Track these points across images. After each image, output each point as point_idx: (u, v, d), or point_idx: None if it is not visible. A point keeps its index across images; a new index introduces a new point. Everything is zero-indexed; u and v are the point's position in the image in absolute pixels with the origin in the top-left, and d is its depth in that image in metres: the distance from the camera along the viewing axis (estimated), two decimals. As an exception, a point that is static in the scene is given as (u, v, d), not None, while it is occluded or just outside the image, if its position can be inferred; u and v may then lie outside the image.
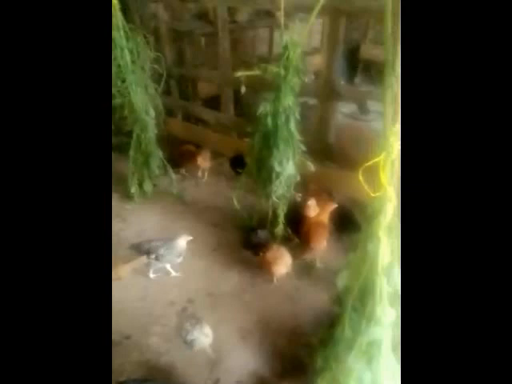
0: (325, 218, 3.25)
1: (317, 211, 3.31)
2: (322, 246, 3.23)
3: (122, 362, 2.51)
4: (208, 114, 5.16)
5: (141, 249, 3.13)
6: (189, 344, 2.36)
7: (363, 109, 5.83)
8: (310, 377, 2.05)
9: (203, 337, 2.33)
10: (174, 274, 3.21)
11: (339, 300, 1.75)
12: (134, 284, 3.16)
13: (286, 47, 2.52)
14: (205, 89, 5.65)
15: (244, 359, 2.54)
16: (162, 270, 3.22)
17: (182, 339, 2.38)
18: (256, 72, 2.67)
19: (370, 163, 1.35)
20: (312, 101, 3.97)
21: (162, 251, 3.07)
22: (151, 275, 3.19)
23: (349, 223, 3.26)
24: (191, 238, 3.18)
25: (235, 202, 3.41)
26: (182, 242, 3.13)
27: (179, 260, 3.16)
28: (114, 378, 2.18)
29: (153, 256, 3.08)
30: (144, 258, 3.24)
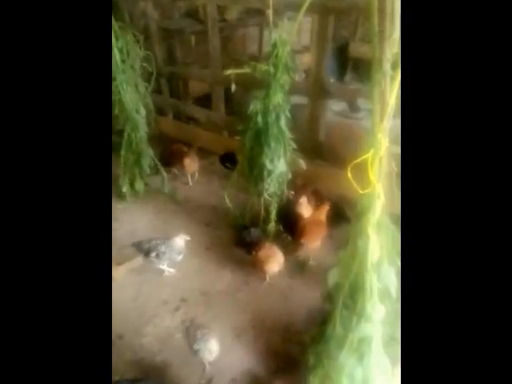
0: (322, 216, 3.27)
1: (309, 209, 3.33)
2: (316, 244, 3.25)
3: (116, 361, 2.50)
4: (199, 113, 5.14)
5: (141, 247, 3.13)
6: (193, 351, 2.32)
7: (353, 107, 5.85)
8: (302, 374, 2.06)
9: (207, 352, 2.30)
10: (166, 273, 3.20)
11: (330, 297, 1.76)
12: (127, 284, 3.15)
13: (274, 45, 2.52)
14: (196, 87, 5.64)
15: (238, 357, 2.55)
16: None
17: (188, 344, 2.36)
18: (246, 70, 2.67)
19: (358, 160, 1.35)
20: (302, 99, 3.98)
21: (163, 249, 3.07)
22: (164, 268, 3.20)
23: (339, 217, 3.28)
24: (189, 238, 3.18)
25: (227, 201, 3.42)
26: (180, 241, 3.13)
27: (180, 258, 3.15)
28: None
29: (153, 254, 3.07)
30: (139, 259, 3.25)
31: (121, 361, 2.52)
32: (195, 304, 2.96)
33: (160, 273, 3.18)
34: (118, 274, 3.16)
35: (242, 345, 2.64)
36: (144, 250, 3.11)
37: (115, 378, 2.30)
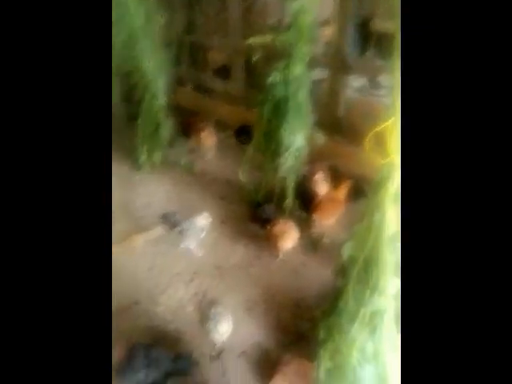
0: (341, 194, 3.24)
1: (325, 186, 3.29)
2: (330, 221, 3.22)
3: (131, 325, 2.56)
4: (218, 84, 5.05)
5: (168, 220, 3.15)
6: (205, 330, 2.34)
7: (374, 83, 5.69)
8: (312, 348, 2.06)
9: (217, 334, 2.31)
10: (200, 254, 3.20)
11: (343, 271, 1.73)
12: (144, 253, 3.19)
13: (296, 14, 2.44)
14: (215, 58, 5.53)
15: (249, 331, 2.57)
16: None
17: (200, 321, 2.38)
18: (267, 38, 2.60)
19: (378, 129, 1.31)
20: (322, 73, 3.87)
21: (186, 225, 3.06)
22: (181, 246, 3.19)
23: (357, 194, 3.24)
24: (211, 219, 3.16)
25: (241, 176, 3.39)
26: (203, 220, 3.12)
27: (203, 235, 3.13)
28: (123, 341, 2.21)
29: (177, 229, 3.07)
30: (158, 230, 3.28)
31: (136, 326, 2.58)
32: (209, 277, 2.99)
33: (176, 245, 3.18)
34: (137, 242, 3.20)
35: (253, 318, 2.66)
36: (170, 222, 3.12)
37: (130, 342, 2.34)
